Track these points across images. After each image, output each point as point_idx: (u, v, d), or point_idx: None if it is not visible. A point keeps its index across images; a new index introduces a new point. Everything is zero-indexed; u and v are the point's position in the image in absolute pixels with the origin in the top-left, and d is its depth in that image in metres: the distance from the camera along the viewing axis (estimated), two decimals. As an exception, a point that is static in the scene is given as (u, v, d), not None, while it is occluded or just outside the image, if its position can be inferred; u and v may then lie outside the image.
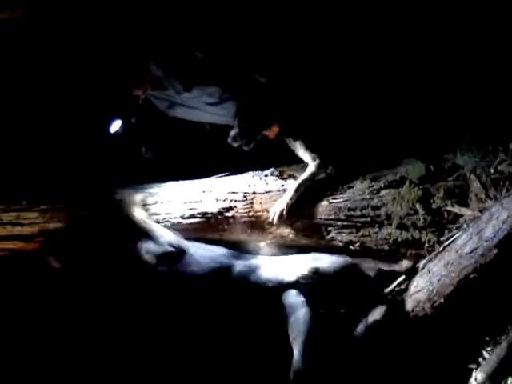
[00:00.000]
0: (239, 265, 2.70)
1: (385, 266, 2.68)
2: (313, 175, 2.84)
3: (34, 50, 3.14)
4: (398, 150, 2.89)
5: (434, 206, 2.65)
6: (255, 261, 2.74)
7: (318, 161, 2.84)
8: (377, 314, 2.61)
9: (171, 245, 2.74)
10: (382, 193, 2.73)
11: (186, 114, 3.09)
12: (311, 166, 2.85)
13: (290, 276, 2.62)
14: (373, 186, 2.75)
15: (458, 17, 2.92)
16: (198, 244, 2.80)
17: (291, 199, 2.78)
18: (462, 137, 2.82)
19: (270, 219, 2.81)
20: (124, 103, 3.10)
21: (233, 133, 2.89)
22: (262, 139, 2.97)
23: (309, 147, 2.88)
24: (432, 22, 2.96)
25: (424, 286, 2.50)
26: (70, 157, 3.22)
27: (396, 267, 2.66)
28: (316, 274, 2.63)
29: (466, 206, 2.63)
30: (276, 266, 2.69)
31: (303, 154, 2.90)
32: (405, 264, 2.65)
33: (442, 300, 2.43)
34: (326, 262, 2.67)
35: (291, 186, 2.84)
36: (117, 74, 3.00)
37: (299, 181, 2.83)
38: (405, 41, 2.99)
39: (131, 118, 3.16)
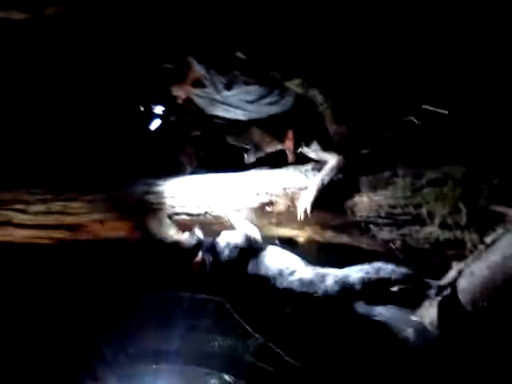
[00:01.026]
0: (306, 271, 2.68)
1: None
2: (332, 172, 2.81)
3: (76, 45, 3.23)
4: (440, 147, 2.82)
5: (477, 205, 2.56)
6: (322, 270, 2.71)
7: (336, 157, 2.82)
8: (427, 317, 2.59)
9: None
10: (424, 191, 2.65)
11: (225, 111, 3.11)
12: (331, 162, 2.83)
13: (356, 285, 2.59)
14: (414, 184, 2.68)
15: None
16: (274, 247, 2.83)
17: (313, 196, 2.77)
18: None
19: (298, 217, 2.81)
20: (165, 101, 3.16)
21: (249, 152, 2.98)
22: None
23: (324, 147, 2.87)
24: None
25: (466, 287, 2.44)
26: (113, 150, 3.32)
27: None
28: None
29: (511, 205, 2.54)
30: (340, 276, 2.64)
31: (322, 155, 2.89)
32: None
33: (484, 302, 2.36)
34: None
35: (312, 182, 2.82)
36: (158, 73, 3.06)
37: (319, 178, 2.81)
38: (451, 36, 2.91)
39: (171, 116, 3.21)
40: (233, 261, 2.74)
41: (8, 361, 3.41)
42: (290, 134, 2.97)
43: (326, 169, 2.82)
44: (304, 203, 2.79)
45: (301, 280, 2.63)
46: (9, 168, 3.18)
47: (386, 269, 2.55)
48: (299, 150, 2.97)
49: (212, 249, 2.79)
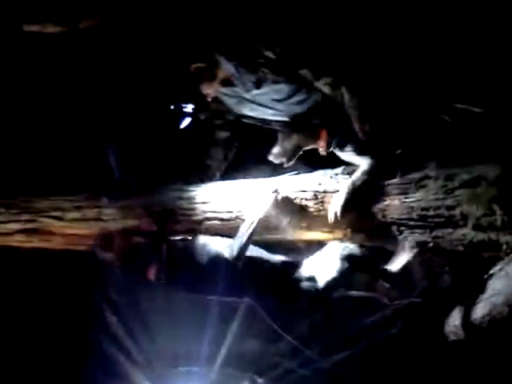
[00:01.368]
0: None
1: None
2: (363, 175, 2.81)
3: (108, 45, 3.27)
4: (472, 147, 2.79)
5: (512, 206, 2.55)
6: None
7: (369, 161, 2.82)
8: (453, 318, 2.57)
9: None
10: (457, 192, 2.62)
11: (254, 110, 3.11)
12: (363, 166, 2.83)
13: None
14: (447, 186, 2.65)
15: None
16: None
17: (344, 199, 2.77)
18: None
19: (329, 220, 2.82)
20: (194, 100, 3.19)
21: (275, 150, 2.96)
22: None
23: (359, 149, 2.86)
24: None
25: (501, 289, 2.43)
26: (145, 154, 3.36)
27: None
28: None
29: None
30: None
31: (354, 158, 2.89)
32: None
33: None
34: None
35: (344, 186, 2.83)
36: (188, 72, 3.08)
37: (351, 181, 2.82)
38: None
39: (201, 115, 3.24)
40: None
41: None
42: (324, 133, 2.96)
43: (358, 172, 2.82)
44: (335, 206, 2.80)
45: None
46: (46, 176, 3.27)
47: None
48: (330, 149, 2.96)
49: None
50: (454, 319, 2.61)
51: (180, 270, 2.89)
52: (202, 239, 2.96)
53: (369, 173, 2.81)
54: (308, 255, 3.01)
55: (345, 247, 2.93)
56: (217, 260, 2.82)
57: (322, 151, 2.99)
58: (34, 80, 3.37)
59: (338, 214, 2.78)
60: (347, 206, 2.78)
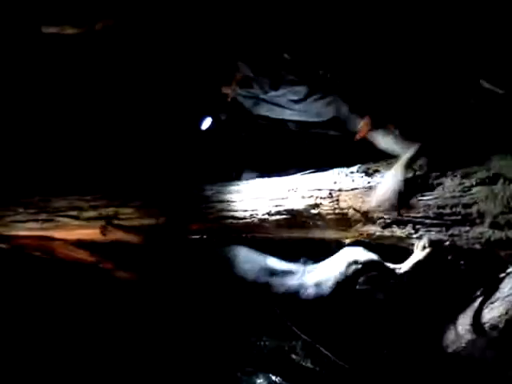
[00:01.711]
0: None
1: None
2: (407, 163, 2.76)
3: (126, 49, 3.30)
4: (489, 145, 2.75)
5: (530, 203, 2.51)
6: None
7: (411, 151, 2.78)
8: (468, 317, 2.56)
9: None
10: (474, 190, 2.60)
11: (271, 111, 3.13)
12: (404, 157, 2.78)
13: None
14: (464, 183, 2.63)
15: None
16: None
17: (399, 191, 2.72)
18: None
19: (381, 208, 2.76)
20: (214, 101, 3.20)
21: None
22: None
23: (403, 136, 2.82)
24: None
25: (517, 288, 2.40)
26: (163, 154, 3.39)
27: None
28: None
29: None
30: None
31: (396, 145, 2.84)
32: None
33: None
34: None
35: (389, 175, 2.78)
36: (207, 72, 3.10)
37: (400, 169, 2.75)
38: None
39: (221, 116, 3.26)
40: None
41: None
42: (367, 119, 2.92)
43: (404, 159, 2.77)
44: (385, 199, 2.75)
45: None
46: (63, 176, 3.31)
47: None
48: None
49: None
50: (471, 318, 2.59)
51: None
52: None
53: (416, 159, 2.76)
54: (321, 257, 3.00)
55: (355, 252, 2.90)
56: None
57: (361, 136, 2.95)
58: (51, 81, 3.40)
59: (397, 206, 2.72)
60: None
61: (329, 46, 2.86)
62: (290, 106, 3.04)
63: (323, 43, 2.85)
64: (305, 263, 2.93)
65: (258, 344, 3.59)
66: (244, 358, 3.51)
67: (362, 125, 2.93)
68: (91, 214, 3.16)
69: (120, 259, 3.15)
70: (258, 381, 3.72)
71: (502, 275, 2.56)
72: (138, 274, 3.13)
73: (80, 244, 3.17)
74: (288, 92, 2.99)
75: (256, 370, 3.67)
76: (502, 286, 2.51)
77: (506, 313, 2.43)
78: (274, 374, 3.63)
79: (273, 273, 2.86)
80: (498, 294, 2.50)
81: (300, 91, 2.98)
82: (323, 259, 2.92)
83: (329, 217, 2.89)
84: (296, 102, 3.00)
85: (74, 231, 3.16)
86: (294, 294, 2.80)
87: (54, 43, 2.94)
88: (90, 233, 3.15)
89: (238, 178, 3.24)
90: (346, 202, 2.86)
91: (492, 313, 2.50)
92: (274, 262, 2.92)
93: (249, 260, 2.92)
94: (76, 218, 3.14)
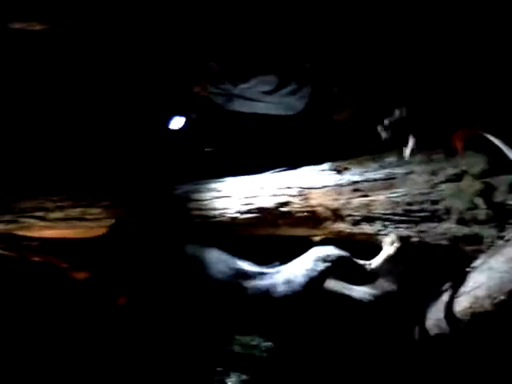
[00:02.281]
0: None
1: None
2: None
3: (96, 48, 3.24)
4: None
5: (495, 200, 2.57)
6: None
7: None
8: (435, 311, 2.60)
9: None
10: (442, 187, 2.66)
11: (243, 105, 3.11)
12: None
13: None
14: (432, 180, 2.69)
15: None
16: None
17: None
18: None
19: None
20: (185, 100, 3.17)
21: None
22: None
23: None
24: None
25: (483, 282, 2.45)
26: (131, 154, 3.34)
27: None
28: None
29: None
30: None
31: None
32: None
33: (502, 297, 2.37)
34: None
35: None
36: (177, 71, 3.07)
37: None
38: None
39: (192, 115, 3.23)
40: None
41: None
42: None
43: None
44: None
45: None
46: (30, 177, 3.22)
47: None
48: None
49: None
50: (437, 312, 2.63)
51: None
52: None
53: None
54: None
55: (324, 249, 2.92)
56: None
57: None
58: (20, 79, 3.32)
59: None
60: None
61: (306, 36, 2.85)
62: (261, 99, 3.02)
63: (298, 32, 2.83)
64: (277, 265, 2.92)
65: (229, 343, 3.57)
66: (215, 358, 3.48)
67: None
68: (58, 214, 3.08)
69: (75, 259, 3.06)
70: (229, 380, 3.70)
71: (467, 270, 2.60)
72: (95, 274, 3.05)
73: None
74: (259, 83, 2.97)
75: (227, 370, 3.65)
76: (467, 280, 2.55)
77: (471, 307, 2.46)
78: (244, 374, 3.62)
79: (244, 274, 2.84)
80: (462, 289, 2.53)
81: (271, 81, 2.95)
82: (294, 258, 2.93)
83: (299, 215, 2.90)
84: (267, 93, 2.98)
85: (40, 232, 3.09)
86: (265, 293, 2.79)
87: (21, 39, 2.86)
88: (56, 233, 3.08)
89: (209, 177, 3.22)
90: (316, 199, 2.88)
91: (457, 307, 2.53)
92: (245, 264, 2.90)
93: (219, 261, 2.89)
94: (42, 218, 3.07)
